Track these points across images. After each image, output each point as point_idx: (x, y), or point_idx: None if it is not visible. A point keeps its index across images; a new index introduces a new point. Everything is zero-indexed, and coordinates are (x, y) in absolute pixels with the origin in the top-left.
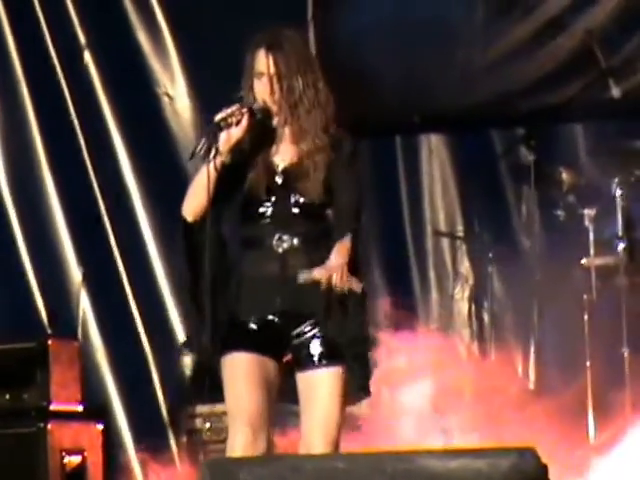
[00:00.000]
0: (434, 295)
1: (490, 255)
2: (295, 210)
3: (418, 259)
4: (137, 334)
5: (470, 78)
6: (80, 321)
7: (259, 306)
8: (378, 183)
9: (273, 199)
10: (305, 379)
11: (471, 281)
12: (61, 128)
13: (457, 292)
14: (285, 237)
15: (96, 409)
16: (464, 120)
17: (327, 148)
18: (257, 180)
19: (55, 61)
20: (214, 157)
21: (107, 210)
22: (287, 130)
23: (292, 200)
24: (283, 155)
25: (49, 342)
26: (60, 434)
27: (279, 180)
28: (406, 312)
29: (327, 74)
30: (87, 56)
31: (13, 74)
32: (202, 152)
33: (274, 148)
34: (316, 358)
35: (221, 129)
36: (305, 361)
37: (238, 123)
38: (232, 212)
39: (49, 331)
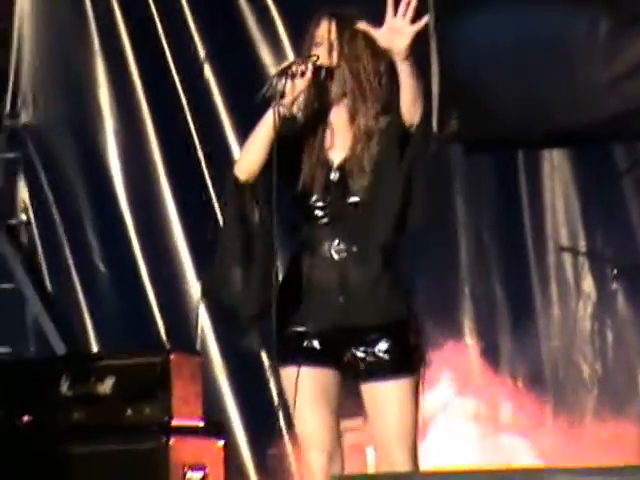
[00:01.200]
0: (555, 311)
1: (614, 272)
2: (350, 210)
3: (540, 275)
4: None
5: (592, 95)
6: (199, 336)
7: (316, 316)
8: (500, 199)
9: (328, 198)
10: (372, 390)
11: (594, 298)
12: (180, 143)
13: (579, 309)
14: (343, 243)
15: (216, 424)
16: (586, 137)
17: (384, 134)
18: (311, 176)
19: (175, 75)
20: (278, 105)
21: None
22: (343, 108)
23: (349, 200)
24: (338, 148)
25: (171, 357)
26: (182, 450)
27: (334, 176)
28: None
29: (448, 93)
30: (207, 70)
31: (133, 88)
32: (267, 95)
33: (328, 140)
34: (383, 369)
35: (285, 77)
36: (370, 372)
37: (303, 75)
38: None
39: (170, 346)
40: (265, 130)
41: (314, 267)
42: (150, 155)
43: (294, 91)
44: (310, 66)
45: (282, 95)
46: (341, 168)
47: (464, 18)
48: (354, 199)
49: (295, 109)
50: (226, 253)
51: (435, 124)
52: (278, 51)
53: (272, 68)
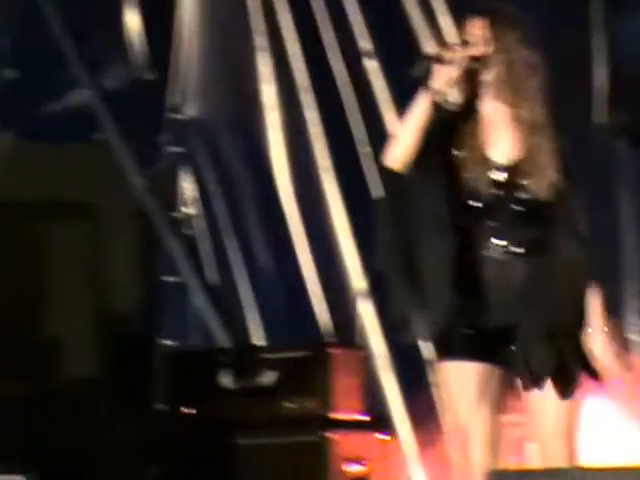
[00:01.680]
0: None
1: None
2: (518, 209)
3: None
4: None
5: None
6: (359, 330)
7: (479, 312)
8: None
9: (491, 196)
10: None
11: None
12: (343, 139)
13: None
14: (504, 242)
15: (378, 419)
16: None
17: (548, 128)
18: (474, 173)
19: (336, 65)
20: (428, 88)
21: None
22: (498, 101)
23: (514, 198)
24: (501, 144)
25: (332, 351)
26: (342, 443)
27: (499, 176)
28: None
29: (616, 88)
30: (369, 65)
31: (295, 83)
32: (416, 76)
33: (486, 134)
34: (542, 372)
35: (436, 62)
36: (530, 375)
37: (453, 62)
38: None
39: (332, 339)
40: (417, 114)
41: (479, 265)
42: (313, 150)
43: (444, 77)
44: (462, 54)
45: (430, 78)
46: (508, 166)
47: (634, 13)
48: (525, 197)
49: (447, 97)
50: (386, 249)
51: (603, 118)
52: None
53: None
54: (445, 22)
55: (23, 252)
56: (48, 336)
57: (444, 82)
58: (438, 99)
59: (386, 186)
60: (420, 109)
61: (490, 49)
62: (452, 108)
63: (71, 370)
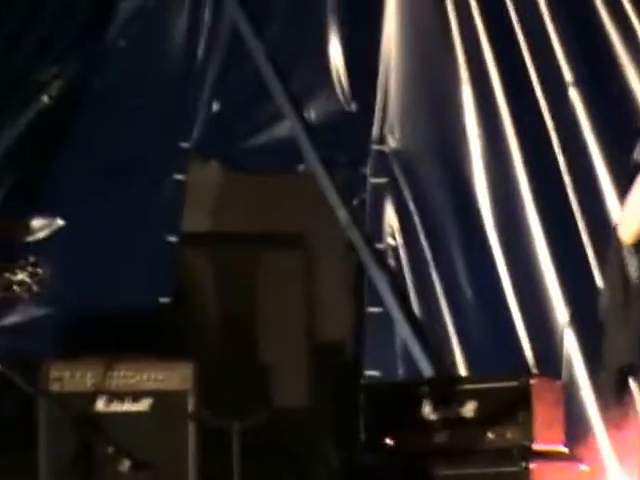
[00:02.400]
0: None
1: None
2: None
3: None
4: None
5: None
6: (565, 361)
7: None
8: None
9: None
10: None
11: None
12: (545, 164)
13: None
14: None
15: (579, 450)
16: None
17: None
18: None
19: (539, 95)
20: None
21: (595, 252)
22: None
23: None
24: None
25: (532, 381)
26: (543, 474)
27: None
28: None
29: None
30: (572, 93)
31: (498, 112)
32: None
33: None
34: None
35: None
36: None
37: None
38: None
39: (534, 371)
40: None
41: None
42: (516, 180)
43: None
44: None
45: None
46: None
47: None
48: None
49: None
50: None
51: None
52: None
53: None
54: None
55: (239, 281)
56: (263, 365)
57: None
58: None
59: (615, 254)
60: None
61: None
62: None
63: (284, 399)
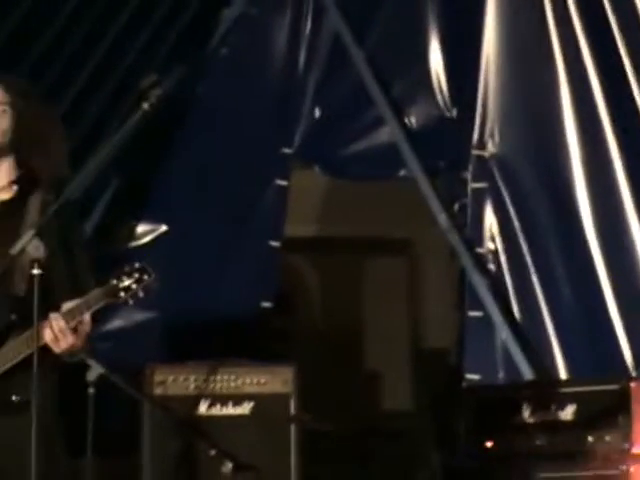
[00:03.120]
0: None
1: None
2: None
3: None
4: None
5: None
6: None
7: None
8: None
9: None
10: None
11: None
12: None
13: None
14: None
15: None
16: None
17: None
18: None
19: (639, 99)
20: None
21: None
22: None
23: None
24: None
25: (631, 384)
26: None
27: None
28: None
29: None
30: None
31: (597, 116)
32: None
33: None
34: None
35: None
36: None
37: None
38: None
39: (634, 374)
40: None
41: None
42: (616, 183)
43: None
44: None
45: None
46: None
47: None
48: None
49: None
50: None
51: None
52: None
53: None
54: None
55: (340, 286)
56: (366, 369)
57: None
58: None
59: None
60: None
61: None
62: None
63: (386, 404)
